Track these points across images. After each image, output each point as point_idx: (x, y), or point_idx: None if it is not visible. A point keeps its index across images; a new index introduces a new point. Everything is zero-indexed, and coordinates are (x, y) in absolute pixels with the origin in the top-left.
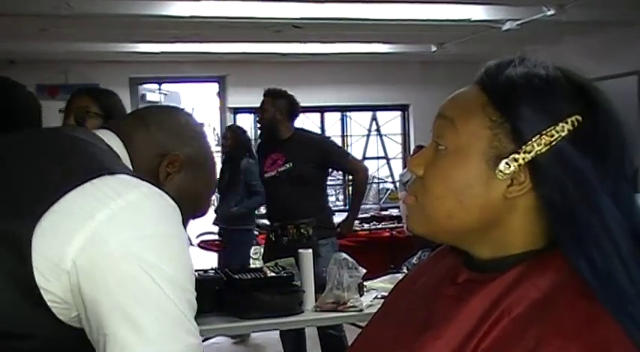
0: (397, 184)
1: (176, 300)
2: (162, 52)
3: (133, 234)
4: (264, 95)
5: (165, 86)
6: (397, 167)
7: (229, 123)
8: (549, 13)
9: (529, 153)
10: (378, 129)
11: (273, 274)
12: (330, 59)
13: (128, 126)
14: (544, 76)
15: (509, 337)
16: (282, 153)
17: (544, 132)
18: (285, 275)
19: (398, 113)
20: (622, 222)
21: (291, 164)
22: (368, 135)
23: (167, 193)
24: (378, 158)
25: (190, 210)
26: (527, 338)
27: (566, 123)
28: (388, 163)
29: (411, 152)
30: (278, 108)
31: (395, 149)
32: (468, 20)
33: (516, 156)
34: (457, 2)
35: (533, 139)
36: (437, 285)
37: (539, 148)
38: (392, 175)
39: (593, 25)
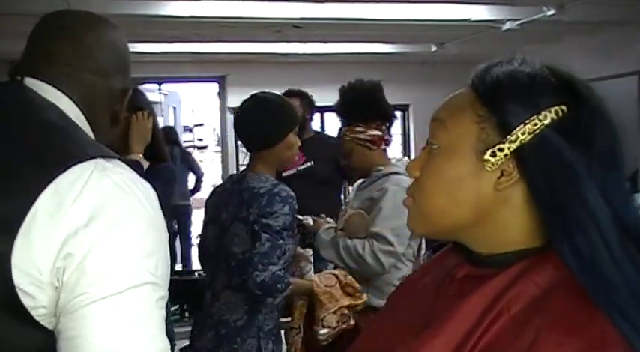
0: None
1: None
2: (162, 52)
3: (107, 225)
4: (291, 95)
5: (165, 86)
6: None
7: (229, 123)
8: (549, 13)
9: (514, 142)
10: None
11: None
12: (330, 59)
13: (69, 78)
14: (528, 71)
15: (508, 333)
16: (301, 153)
17: (527, 121)
18: None
19: (398, 113)
20: (609, 210)
21: (311, 162)
22: None
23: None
24: None
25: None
26: (526, 334)
27: (549, 112)
28: None
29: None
30: (304, 108)
31: (395, 149)
32: (468, 20)
33: (501, 145)
34: (457, 2)
35: (517, 128)
36: (439, 285)
37: (523, 137)
38: None
39: (593, 25)
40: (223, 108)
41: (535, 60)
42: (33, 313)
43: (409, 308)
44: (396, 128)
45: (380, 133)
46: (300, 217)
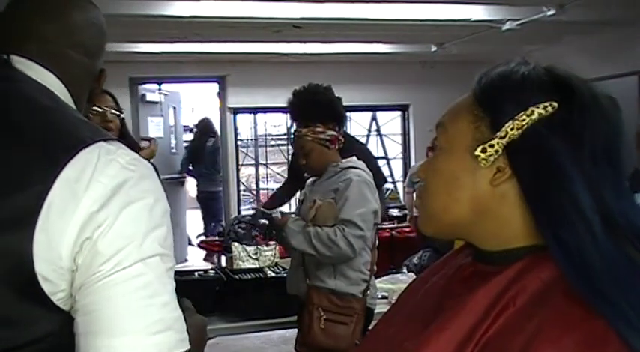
0: (397, 184)
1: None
2: (163, 52)
3: (119, 207)
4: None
5: (165, 86)
6: (397, 167)
7: (229, 123)
8: (549, 13)
9: (503, 138)
10: (378, 129)
11: (273, 274)
12: (330, 59)
13: (56, 57)
14: (522, 71)
15: (512, 326)
16: None
17: (516, 117)
18: (285, 275)
19: (398, 113)
20: (595, 203)
21: None
22: (368, 135)
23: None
24: (378, 158)
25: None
26: (529, 327)
27: (537, 107)
28: (388, 163)
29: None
30: None
31: (395, 149)
32: (468, 20)
33: (492, 141)
34: (457, 2)
35: (507, 125)
36: (447, 283)
37: (512, 132)
38: (392, 175)
39: (593, 25)
40: (223, 109)
41: (535, 61)
42: (53, 298)
43: (418, 305)
44: (396, 128)
45: (336, 133)
46: (267, 211)
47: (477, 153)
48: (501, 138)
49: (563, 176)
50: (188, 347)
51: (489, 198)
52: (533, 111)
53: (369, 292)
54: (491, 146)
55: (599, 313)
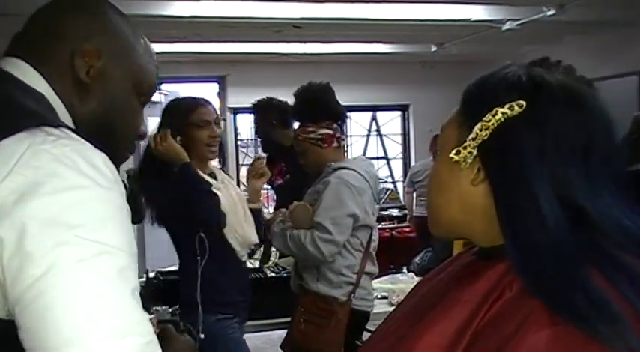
0: (397, 184)
1: (104, 270)
2: (163, 52)
3: (43, 202)
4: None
5: (165, 86)
6: (397, 167)
7: (229, 123)
8: (549, 13)
9: (475, 139)
10: (378, 129)
11: (273, 274)
12: (330, 59)
13: (38, 45)
14: (499, 73)
15: (507, 310)
16: (284, 162)
17: (483, 119)
18: (285, 275)
19: (398, 113)
20: (564, 200)
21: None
22: (368, 135)
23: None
24: (378, 158)
25: (139, 98)
26: (523, 311)
27: (502, 107)
28: (388, 163)
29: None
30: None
31: (395, 149)
32: (468, 20)
33: (465, 144)
34: (457, 2)
35: (476, 126)
36: (450, 280)
37: (481, 133)
38: (392, 175)
39: (593, 25)
40: (223, 108)
41: (522, 63)
42: None
43: (421, 302)
44: (396, 128)
45: (331, 132)
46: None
47: (451, 155)
48: (472, 139)
49: (522, 173)
50: (159, 350)
51: (475, 197)
52: (497, 112)
53: (355, 295)
54: (465, 148)
55: (550, 309)
